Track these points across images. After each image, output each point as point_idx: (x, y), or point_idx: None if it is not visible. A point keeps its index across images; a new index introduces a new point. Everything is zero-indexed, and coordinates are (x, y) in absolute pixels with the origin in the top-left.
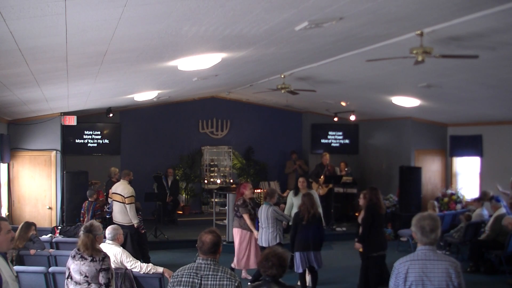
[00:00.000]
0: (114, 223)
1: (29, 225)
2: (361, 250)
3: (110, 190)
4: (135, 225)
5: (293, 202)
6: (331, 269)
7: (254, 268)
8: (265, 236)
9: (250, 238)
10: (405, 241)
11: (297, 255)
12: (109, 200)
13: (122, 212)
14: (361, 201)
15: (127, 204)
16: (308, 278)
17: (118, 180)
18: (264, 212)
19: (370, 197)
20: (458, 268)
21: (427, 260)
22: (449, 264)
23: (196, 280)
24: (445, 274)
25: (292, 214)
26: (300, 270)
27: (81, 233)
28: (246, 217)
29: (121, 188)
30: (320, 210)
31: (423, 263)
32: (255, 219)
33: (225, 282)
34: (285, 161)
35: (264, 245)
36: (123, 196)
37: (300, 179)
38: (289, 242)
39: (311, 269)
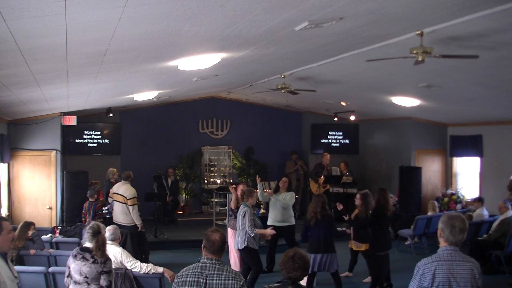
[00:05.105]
0: (114, 223)
1: (28, 224)
2: (363, 248)
3: (111, 190)
4: (139, 226)
5: (270, 201)
6: None
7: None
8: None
9: None
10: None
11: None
12: (109, 200)
13: (124, 212)
14: (357, 201)
15: (130, 205)
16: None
17: (116, 181)
18: (239, 212)
19: (378, 198)
20: (479, 268)
21: (453, 261)
22: (472, 265)
23: (201, 280)
24: (470, 275)
25: (268, 215)
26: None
27: (87, 235)
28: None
29: (123, 189)
30: (291, 212)
31: (450, 264)
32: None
33: (230, 281)
34: (285, 161)
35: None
36: (125, 197)
37: (283, 179)
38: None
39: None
